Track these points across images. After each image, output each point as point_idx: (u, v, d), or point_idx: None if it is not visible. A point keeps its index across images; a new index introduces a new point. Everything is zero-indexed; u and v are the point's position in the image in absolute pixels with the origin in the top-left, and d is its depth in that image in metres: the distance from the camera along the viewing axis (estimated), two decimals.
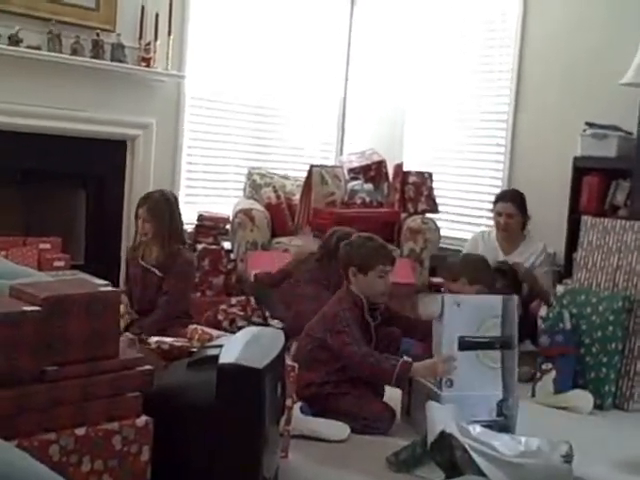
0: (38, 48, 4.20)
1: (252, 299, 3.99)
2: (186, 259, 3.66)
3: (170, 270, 3.54)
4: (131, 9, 4.59)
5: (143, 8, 4.60)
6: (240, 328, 3.61)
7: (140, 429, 1.95)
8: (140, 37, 4.62)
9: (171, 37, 4.69)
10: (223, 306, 3.94)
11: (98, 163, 4.63)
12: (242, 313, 3.89)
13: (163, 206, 3.57)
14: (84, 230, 4.72)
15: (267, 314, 3.94)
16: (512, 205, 4.26)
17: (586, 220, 3.78)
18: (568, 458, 2.45)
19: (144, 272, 3.59)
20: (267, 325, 3.77)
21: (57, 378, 1.81)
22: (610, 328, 3.40)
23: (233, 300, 4.05)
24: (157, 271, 3.55)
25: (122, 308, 3.36)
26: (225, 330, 3.72)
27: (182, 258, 3.62)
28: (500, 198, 4.38)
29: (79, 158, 4.51)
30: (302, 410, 2.78)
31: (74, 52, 4.34)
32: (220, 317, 3.86)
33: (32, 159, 4.30)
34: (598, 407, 3.33)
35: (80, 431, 1.84)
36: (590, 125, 4.51)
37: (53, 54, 4.24)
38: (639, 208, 3.99)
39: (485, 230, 4.52)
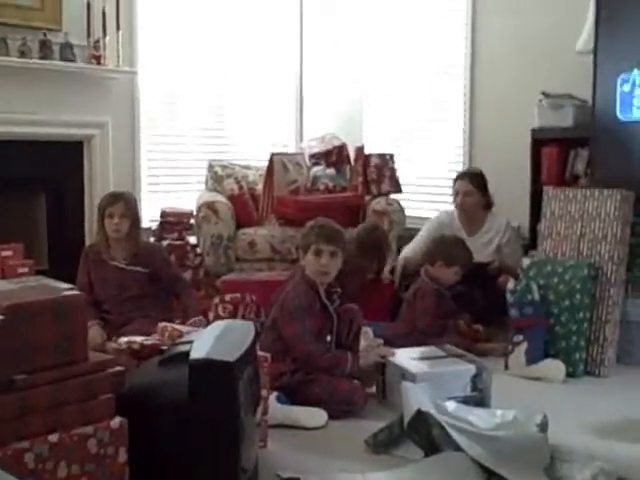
0: None
1: (247, 296, 3.79)
2: (158, 247, 4.05)
3: (152, 262, 3.62)
4: (77, 6, 4.52)
5: (89, 4, 4.52)
6: None
7: (115, 431, 1.93)
8: (88, 35, 4.55)
9: (120, 32, 4.62)
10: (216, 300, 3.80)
11: (55, 166, 4.56)
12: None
13: (135, 202, 3.71)
14: (46, 234, 4.65)
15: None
16: (469, 183, 4.24)
17: (547, 190, 3.81)
18: (543, 427, 2.49)
19: (119, 272, 3.57)
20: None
21: (26, 386, 1.79)
22: (577, 296, 3.44)
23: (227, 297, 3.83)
24: (140, 268, 3.57)
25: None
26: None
27: (154, 247, 3.94)
28: (458, 177, 4.37)
29: (36, 162, 4.43)
30: (279, 399, 2.77)
31: (22, 54, 4.27)
32: (210, 316, 3.71)
33: None
34: (570, 375, 3.37)
35: (54, 437, 1.82)
36: (546, 95, 4.53)
37: (0, 58, 4.16)
38: (599, 176, 4.03)
39: (448, 210, 4.49)
